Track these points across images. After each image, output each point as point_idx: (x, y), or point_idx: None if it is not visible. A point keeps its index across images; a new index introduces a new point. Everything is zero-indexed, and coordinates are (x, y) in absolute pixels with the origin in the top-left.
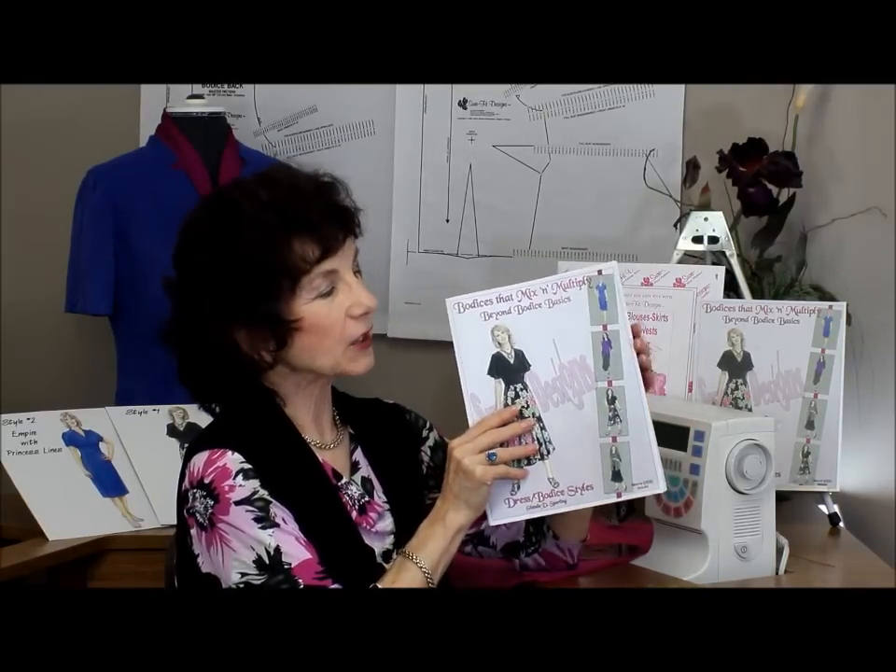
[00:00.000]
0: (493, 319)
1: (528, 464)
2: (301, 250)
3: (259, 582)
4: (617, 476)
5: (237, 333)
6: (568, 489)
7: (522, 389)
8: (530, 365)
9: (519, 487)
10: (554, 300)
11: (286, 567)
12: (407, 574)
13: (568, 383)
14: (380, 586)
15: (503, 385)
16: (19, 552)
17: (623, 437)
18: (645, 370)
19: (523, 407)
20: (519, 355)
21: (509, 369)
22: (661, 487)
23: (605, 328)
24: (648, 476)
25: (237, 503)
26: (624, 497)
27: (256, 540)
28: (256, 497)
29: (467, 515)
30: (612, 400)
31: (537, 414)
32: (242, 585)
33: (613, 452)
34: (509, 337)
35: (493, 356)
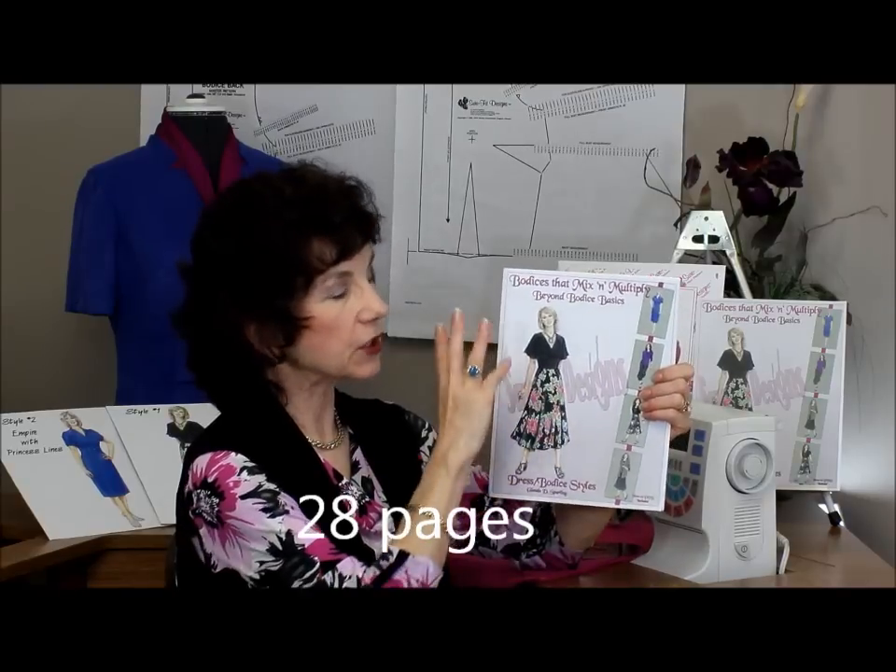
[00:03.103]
0: (544, 300)
1: (540, 448)
2: (318, 250)
3: (276, 568)
4: (621, 483)
5: (247, 325)
6: (571, 482)
7: (553, 375)
8: (568, 354)
9: (525, 468)
10: (608, 298)
11: (299, 548)
12: (418, 525)
13: (600, 381)
14: (397, 538)
15: (537, 366)
16: (19, 551)
17: (637, 447)
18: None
19: (549, 392)
20: (560, 341)
21: (546, 352)
22: (659, 507)
23: (650, 339)
24: (650, 492)
25: (243, 497)
26: (622, 506)
27: (266, 530)
28: (262, 489)
29: (468, 448)
30: (638, 410)
31: (561, 403)
32: (263, 574)
33: (624, 459)
34: (555, 321)
35: (534, 335)
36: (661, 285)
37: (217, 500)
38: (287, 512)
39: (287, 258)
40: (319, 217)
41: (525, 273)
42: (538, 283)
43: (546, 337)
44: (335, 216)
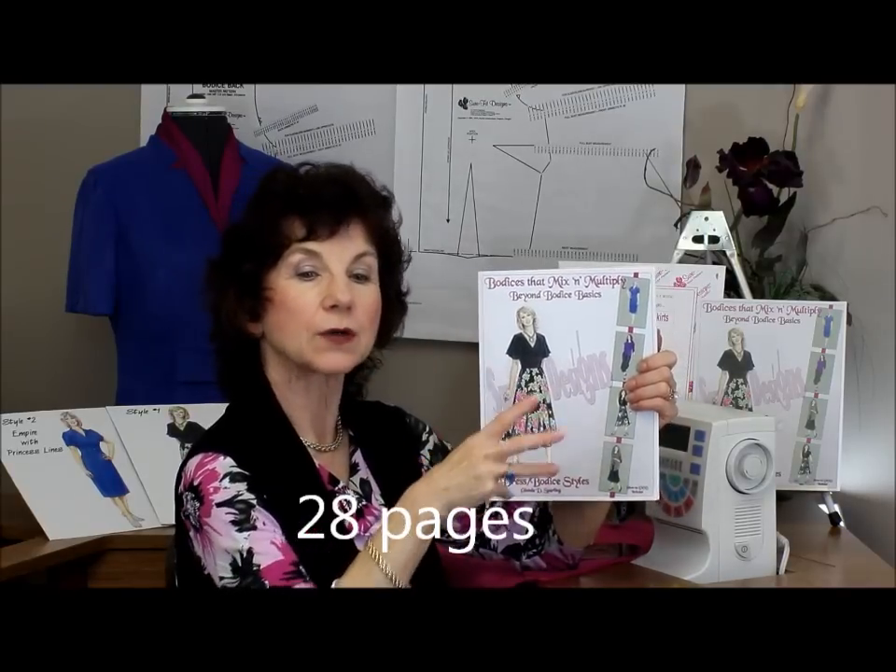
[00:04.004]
0: (521, 300)
1: (530, 448)
2: (288, 227)
3: (233, 586)
4: (614, 476)
5: (228, 295)
6: (565, 480)
7: (537, 374)
8: (549, 352)
9: None
10: (585, 292)
11: (254, 568)
12: (364, 568)
13: (584, 376)
14: (346, 573)
15: (520, 367)
16: (19, 551)
17: (627, 439)
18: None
19: (534, 392)
20: (540, 339)
21: (528, 351)
22: (654, 496)
23: (630, 330)
24: (644, 482)
25: (218, 505)
26: (617, 498)
27: (231, 544)
28: (238, 499)
29: (443, 509)
30: (624, 402)
31: (547, 401)
32: (226, 587)
33: (615, 452)
34: (533, 320)
35: (515, 336)
36: (636, 275)
37: (199, 505)
38: (255, 528)
39: (260, 228)
40: (296, 197)
41: (500, 274)
42: (513, 283)
43: (526, 336)
44: (312, 198)
